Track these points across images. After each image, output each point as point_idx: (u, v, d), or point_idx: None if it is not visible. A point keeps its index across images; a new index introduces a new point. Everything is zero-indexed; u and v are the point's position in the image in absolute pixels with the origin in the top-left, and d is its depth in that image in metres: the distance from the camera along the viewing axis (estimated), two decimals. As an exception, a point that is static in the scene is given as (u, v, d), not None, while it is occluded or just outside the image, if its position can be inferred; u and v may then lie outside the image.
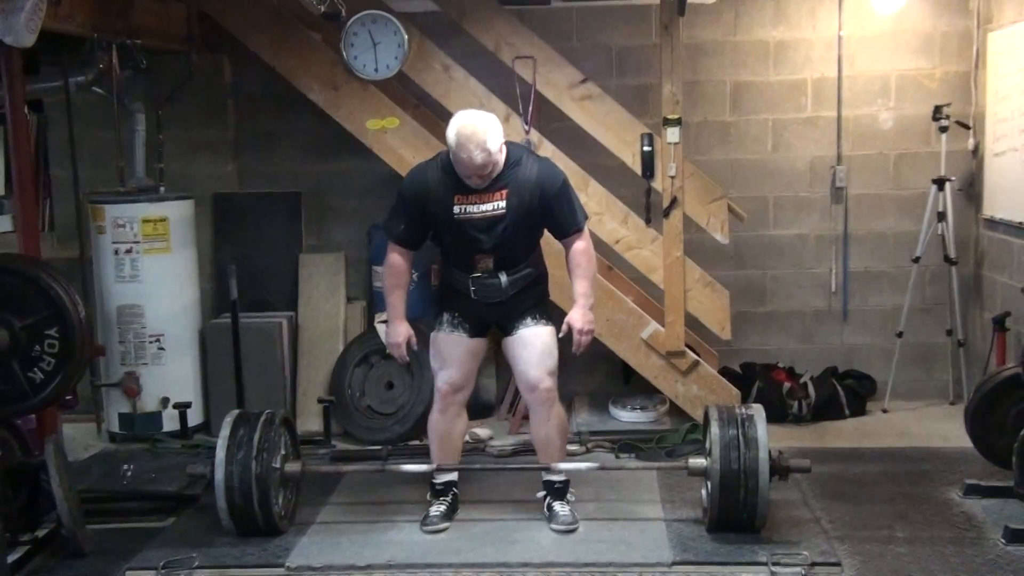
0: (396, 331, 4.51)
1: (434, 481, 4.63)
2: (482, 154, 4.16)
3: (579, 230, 4.43)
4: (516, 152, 4.38)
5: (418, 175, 4.46)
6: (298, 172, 6.57)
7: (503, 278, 4.40)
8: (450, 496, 4.62)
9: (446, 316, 4.55)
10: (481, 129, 4.18)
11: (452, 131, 4.22)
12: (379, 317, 6.00)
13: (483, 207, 4.31)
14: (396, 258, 4.49)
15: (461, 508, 4.68)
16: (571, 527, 4.46)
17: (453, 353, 4.52)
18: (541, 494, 4.61)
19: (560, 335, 4.45)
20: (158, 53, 5.98)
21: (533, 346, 4.45)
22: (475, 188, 4.30)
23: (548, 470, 4.57)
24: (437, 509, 4.57)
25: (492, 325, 4.58)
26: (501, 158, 4.27)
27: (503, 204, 4.30)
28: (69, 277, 4.62)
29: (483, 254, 4.38)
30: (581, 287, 4.41)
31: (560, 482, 4.57)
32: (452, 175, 4.31)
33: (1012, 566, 4.07)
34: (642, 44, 6.35)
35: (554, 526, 4.47)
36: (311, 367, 6.21)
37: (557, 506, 4.53)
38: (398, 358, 4.60)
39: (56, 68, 5.70)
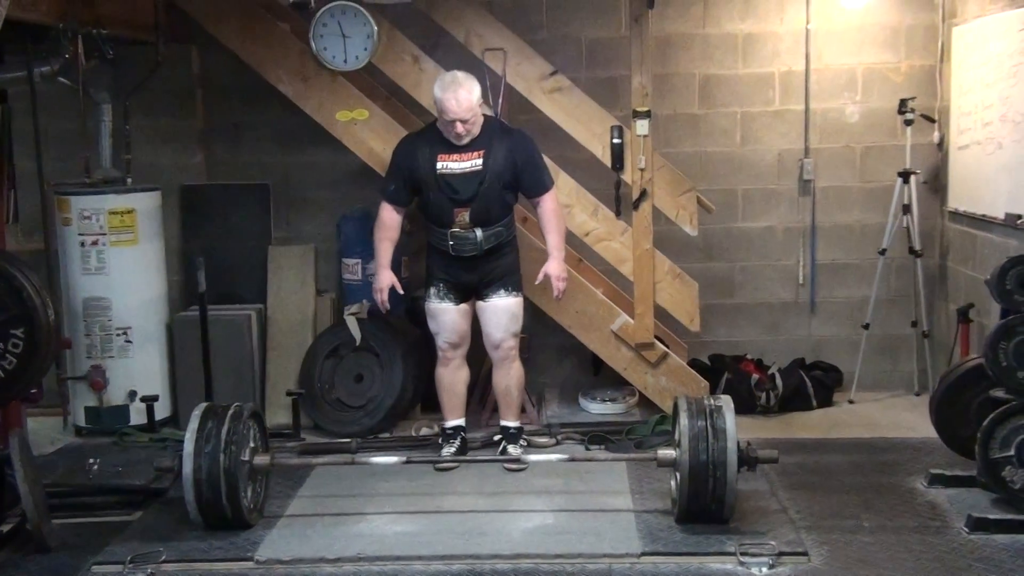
0: (382, 278, 5.19)
1: (444, 426, 5.32)
2: (466, 96, 4.85)
3: (547, 191, 5.11)
4: (492, 123, 5.12)
5: (409, 138, 5.23)
6: (267, 163, 6.53)
7: (478, 233, 5.00)
8: (459, 439, 5.27)
9: (432, 290, 5.18)
10: (462, 77, 4.94)
11: (437, 83, 4.96)
12: (348, 309, 5.98)
13: (463, 164, 4.97)
14: (386, 214, 5.17)
15: (430, 498, 4.74)
16: (520, 467, 5.04)
17: (445, 320, 5.19)
18: (497, 437, 5.35)
19: (537, 282, 5.17)
20: (125, 43, 5.91)
21: (502, 312, 5.14)
22: (457, 147, 4.95)
23: (506, 421, 5.31)
24: (448, 450, 5.22)
25: (472, 292, 5.16)
26: (480, 116, 4.96)
27: (480, 162, 4.97)
28: (35, 269, 4.57)
29: (461, 207, 4.98)
30: (554, 241, 5.14)
31: (515, 428, 5.32)
32: (437, 137, 5.03)
33: (975, 554, 4.12)
34: (612, 36, 6.36)
35: (506, 465, 5.07)
36: (280, 360, 6.18)
37: (510, 448, 5.25)
38: (380, 303, 5.21)
39: (20, 58, 5.61)
